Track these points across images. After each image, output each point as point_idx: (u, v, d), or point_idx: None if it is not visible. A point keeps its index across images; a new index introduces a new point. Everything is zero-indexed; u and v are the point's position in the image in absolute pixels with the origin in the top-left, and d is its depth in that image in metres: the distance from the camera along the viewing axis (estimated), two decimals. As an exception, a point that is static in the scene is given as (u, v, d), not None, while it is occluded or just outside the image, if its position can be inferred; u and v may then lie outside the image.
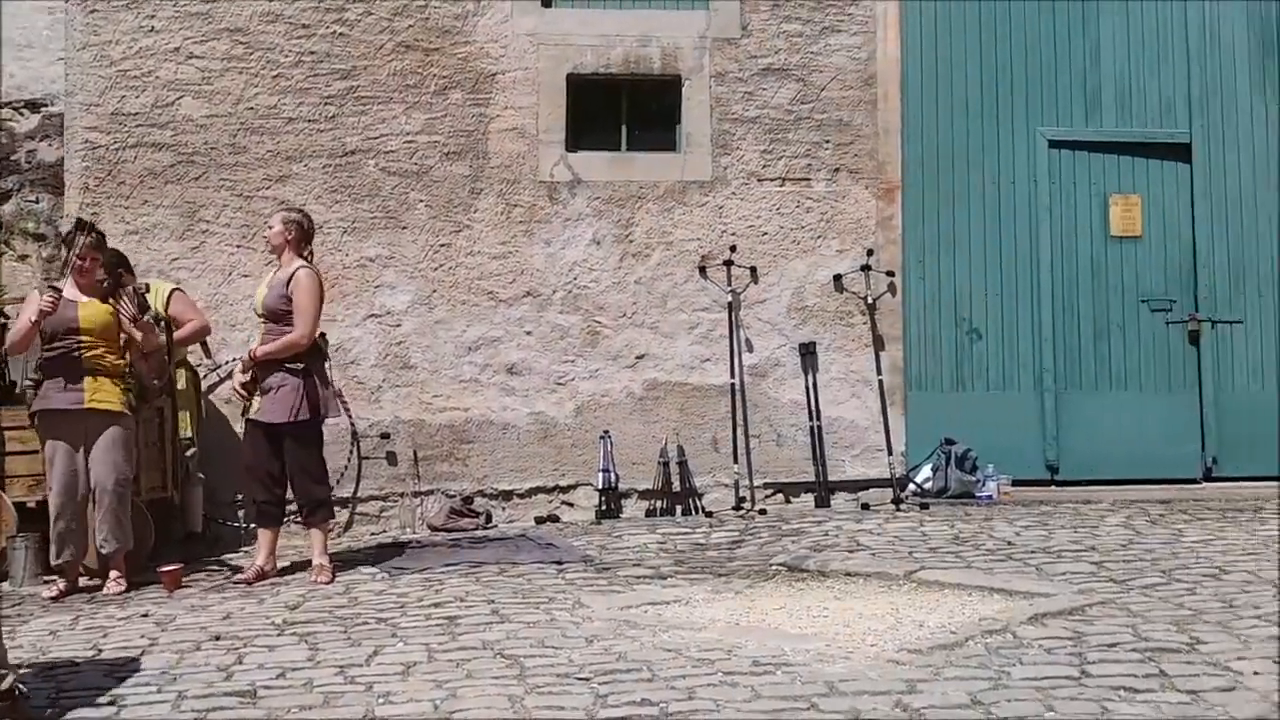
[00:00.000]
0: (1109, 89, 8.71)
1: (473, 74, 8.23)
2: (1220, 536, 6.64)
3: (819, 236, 8.44)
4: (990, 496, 8.05)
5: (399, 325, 8.08)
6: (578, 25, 8.33)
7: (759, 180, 8.41)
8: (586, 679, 4.30)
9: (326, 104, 8.09)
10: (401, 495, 7.98)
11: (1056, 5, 8.71)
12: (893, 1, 8.51)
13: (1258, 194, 8.76)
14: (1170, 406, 8.58)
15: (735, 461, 8.13)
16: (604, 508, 7.98)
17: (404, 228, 8.13)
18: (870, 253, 8.41)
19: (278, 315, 6.41)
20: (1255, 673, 4.18)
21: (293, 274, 6.43)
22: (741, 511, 7.98)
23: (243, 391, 6.51)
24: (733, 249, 8.29)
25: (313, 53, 8.09)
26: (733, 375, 8.22)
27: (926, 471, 8.27)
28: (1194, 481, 8.49)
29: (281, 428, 6.37)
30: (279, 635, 5.15)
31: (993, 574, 5.91)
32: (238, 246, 7.95)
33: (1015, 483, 8.24)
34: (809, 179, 8.44)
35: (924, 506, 7.87)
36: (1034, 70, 8.68)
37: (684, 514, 8.09)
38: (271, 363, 6.38)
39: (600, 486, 8.00)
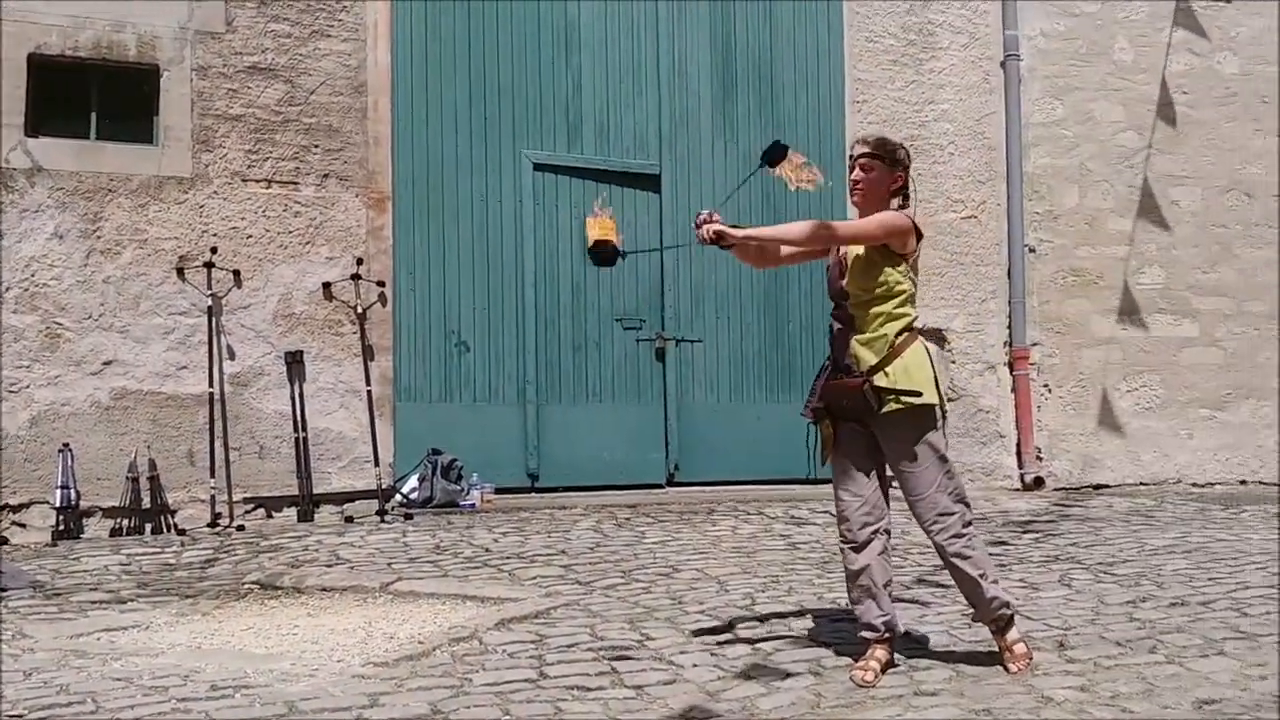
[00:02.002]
0: (589, 119, 9.20)
1: (-90, 42, 7.31)
2: (676, 537, 7.17)
3: (308, 242, 8.26)
4: (474, 505, 8.22)
5: None
6: (42, 3, 7.62)
7: (244, 180, 8.10)
8: (19, 716, 3.92)
9: None
10: None
11: (542, 35, 9.08)
12: (384, 11, 8.52)
13: (717, 224, 9.56)
14: (639, 417, 9.18)
15: (213, 476, 7.76)
16: (62, 528, 7.32)
17: None
18: (360, 262, 8.35)
19: None
20: (694, 665, 4.52)
21: None
22: (218, 528, 7.63)
23: None
24: (214, 250, 7.92)
25: None
26: (212, 384, 7.85)
27: (413, 482, 8.32)
28: (659, 486, 9.12)
29: None
30: None
31: (468, 581, 6.03)
32: None
33: (498, 490, 8.47)
34: (297, 183, 8.24)
35: (409, 517, 7.90)
36: (520, 94, 9.00)
37: (154, 532, 7.59)
38: None
39: (58, 505, 7.34)
